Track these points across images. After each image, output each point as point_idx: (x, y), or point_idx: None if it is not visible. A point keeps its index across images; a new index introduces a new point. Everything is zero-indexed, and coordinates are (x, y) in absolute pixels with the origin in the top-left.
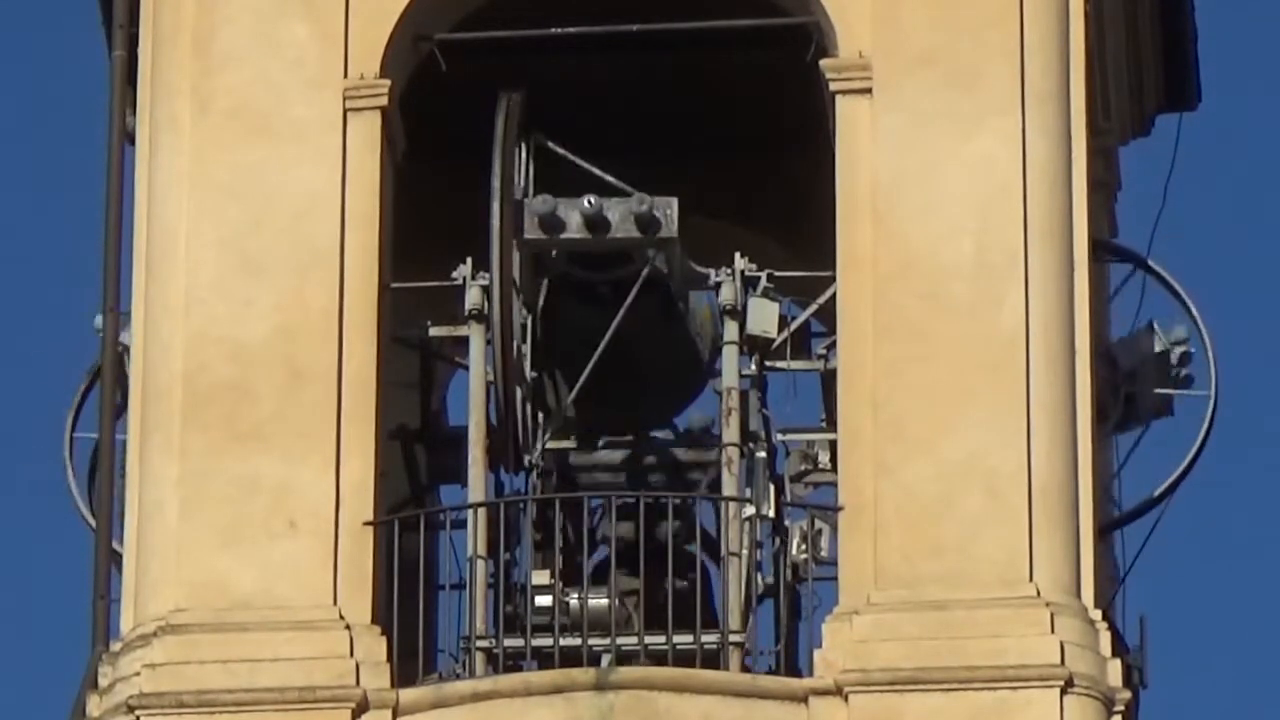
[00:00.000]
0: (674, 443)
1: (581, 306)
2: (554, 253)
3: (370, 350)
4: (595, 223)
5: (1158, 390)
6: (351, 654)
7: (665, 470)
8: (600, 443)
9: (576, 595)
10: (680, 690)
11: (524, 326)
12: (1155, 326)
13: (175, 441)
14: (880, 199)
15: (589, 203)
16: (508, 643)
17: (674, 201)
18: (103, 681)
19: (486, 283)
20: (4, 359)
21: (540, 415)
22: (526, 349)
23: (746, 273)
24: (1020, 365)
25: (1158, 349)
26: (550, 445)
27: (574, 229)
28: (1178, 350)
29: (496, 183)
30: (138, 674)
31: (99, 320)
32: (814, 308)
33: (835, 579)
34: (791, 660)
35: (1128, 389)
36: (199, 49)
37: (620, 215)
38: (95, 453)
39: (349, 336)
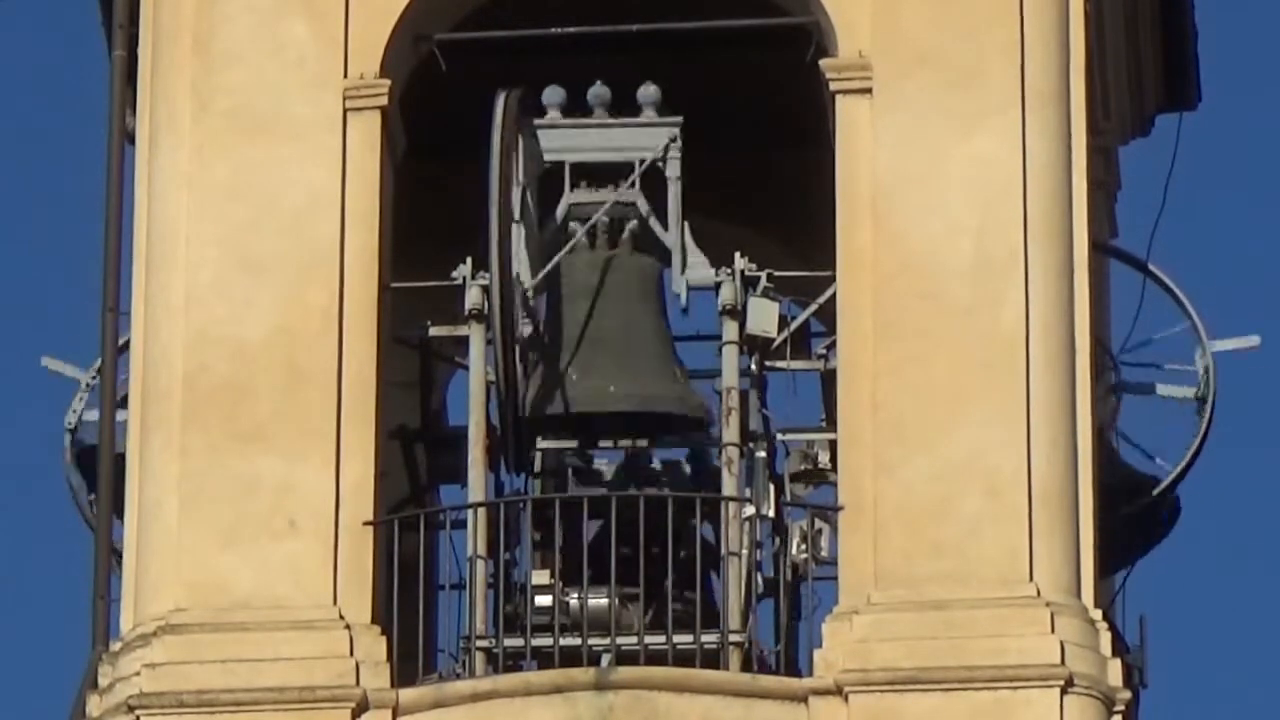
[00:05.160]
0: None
1: None
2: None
3: (370, 350)
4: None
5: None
6: (351, 654)
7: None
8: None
9: (576, 595)
10: (680, 690)
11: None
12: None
13: (175, 441)
14: (880, 199)
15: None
16: (508, 643)
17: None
18: (103, 681)
19: (486, 282)
20: (3, 358)
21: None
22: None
23: (746, 273)
24: (1020, 365)
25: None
26: (550, 446)
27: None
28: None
29: (494, 181)
30: (138, 674)
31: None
32: (814, 308)
33: (835, 579)
34: (791, 660)
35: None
36: (199, 49)
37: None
38: (95, 452)
39: (349, 336)
